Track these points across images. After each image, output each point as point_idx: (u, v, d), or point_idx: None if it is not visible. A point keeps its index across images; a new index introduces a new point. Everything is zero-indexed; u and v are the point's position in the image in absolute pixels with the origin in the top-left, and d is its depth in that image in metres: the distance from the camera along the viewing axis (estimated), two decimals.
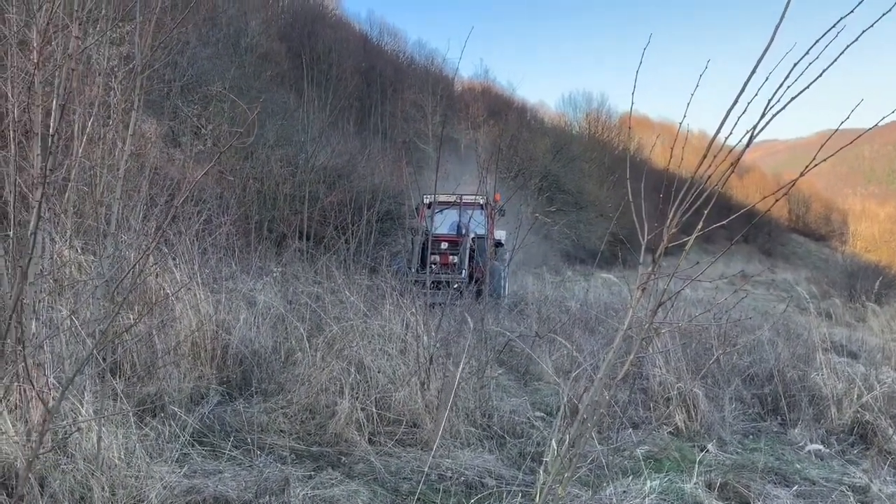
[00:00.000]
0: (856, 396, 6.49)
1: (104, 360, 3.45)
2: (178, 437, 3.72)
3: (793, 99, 2.46)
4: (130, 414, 3.51)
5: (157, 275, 4.89)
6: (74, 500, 2.95)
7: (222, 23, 22.49)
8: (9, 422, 3.06)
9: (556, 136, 44.26)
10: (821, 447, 5.40)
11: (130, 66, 5.48)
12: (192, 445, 3.85)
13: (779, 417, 6.33)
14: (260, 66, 23.87)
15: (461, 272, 11.79)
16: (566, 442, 2.54)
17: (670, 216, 2.49)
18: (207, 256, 5.90)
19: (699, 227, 2.46)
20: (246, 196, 11.84)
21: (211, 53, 19.09)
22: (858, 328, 18.91)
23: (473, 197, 11.94)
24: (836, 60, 2.45)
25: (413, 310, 5.39)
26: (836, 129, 2.59)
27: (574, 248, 29.86)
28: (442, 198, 12.38)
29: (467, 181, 14.41)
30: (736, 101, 2.50)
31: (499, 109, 43.63)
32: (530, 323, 8.47)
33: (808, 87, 2.48)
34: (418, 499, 3.74)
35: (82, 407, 3.32)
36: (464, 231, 12.79)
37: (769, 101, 2.40)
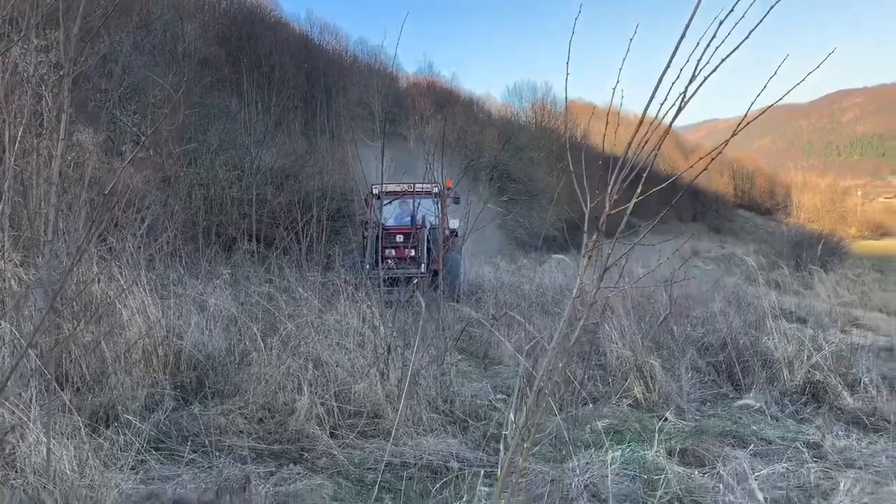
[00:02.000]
0: (806, 358, 6.66)
1: (49, 371, 3.33)
2: (133, 445, 3.63)
3: (723, 61, 2.49)
4: (81, 425, 3.41)
5: (99, 281, 4.76)
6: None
7: (157, 29, 22.01)
8: None
9: (504, 127, 44.53)
10: (751, 401, 5.52)
11: (60, 72, 5.33)
12: (149, 452, 3.76)
13: (734, 383, 6.47)
14: (199, 72, 23.43)
15: (420, 265, 11.42)
16: (524, 413, 2.55)
17: (610, 184, 2.51)
18: (154, 263, 5.77)
19: (637, 191, 2.48)
20: (192, 202, 11.62)
21: (147, 61, 18.67)
22: (806, 295, 19.46)
23: (426, 185, 11.39)
24: (762, 20, 2.49)
25: (368, 302, 5.36)
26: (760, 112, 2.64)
27: (528, 235, 30.07)
28: (391, 187, 12.03)
29: (418, 174, 14.03)
30: (667, 68, 2.53)
31: (445, 103, 43.65)
32: (487, 308, 8.51)
33: (736, 48, 2.51)
34: (383, 487, 3.72)
35: (30, 421, 3.22)
36: (419, 221, 12.26)
37: (697, 63, 2.43)
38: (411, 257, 11.71)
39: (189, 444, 3.93)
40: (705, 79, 2.53)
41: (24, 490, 2.87)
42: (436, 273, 10.94)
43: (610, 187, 2.56)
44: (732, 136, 2.46)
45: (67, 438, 3.26)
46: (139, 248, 5.48)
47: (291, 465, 3.76)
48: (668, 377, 6.02)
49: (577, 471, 3.75)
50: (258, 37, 30.43)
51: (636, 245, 2.65)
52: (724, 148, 2.48)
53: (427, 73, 48.68)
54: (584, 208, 2.55)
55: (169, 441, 4.05)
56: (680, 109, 2.49)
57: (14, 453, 2.99)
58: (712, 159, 2.40)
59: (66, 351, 4.09)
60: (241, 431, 4.23)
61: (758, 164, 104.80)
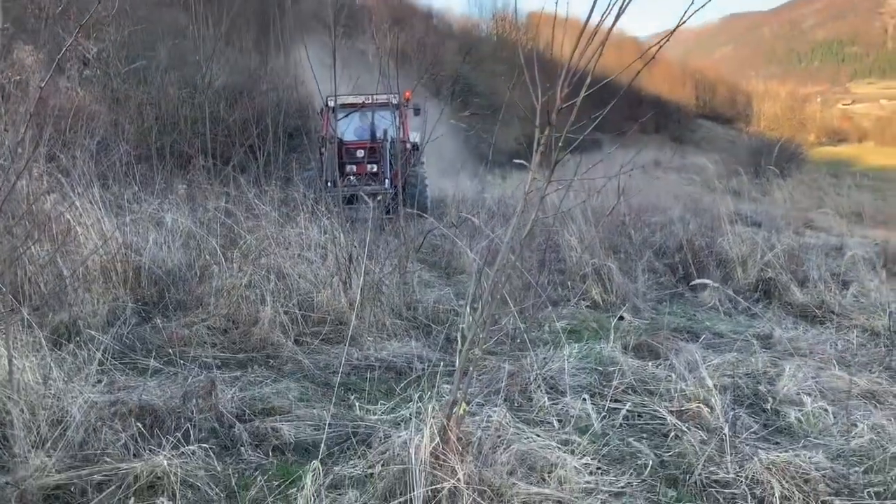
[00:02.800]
0: (759, 256, 6.88)
1: (4, 284, 3.31)
2: (97, 357, 3.64)
3: None
4: (43, 340, 3.41)
5: (51, 195, 4.67)
6: None
7: None
8: None
9: (464, 39, 43.63)
10: (707, 280, 5.69)
11: None
12: (113, 365, 3.79)
13: (689, 283, 6.66)
14: None
15: (384, 182, 10.93)
16: (480, 306, 2.61)
17: (560, 80, 2.50)
18: (107, 181, 5.66)
19: (586, 84, 2.49)
20: (143, 122, 11.30)
21: None
22: (764, 201, 19.86)
23: (384, 96, 10.51)
24: None
25: (329, 215, 5.36)
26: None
27: (493, 152, 29.92)
28: (348, 100, 11.29)
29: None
30: None
31: (403, 16, 42.44)
32: (449, 220, 8.56)
33: None
34: (349, 389, 3.82)
35: None
36: (381, 135, 11.59)
37: None
38: (373, 173, 11.31)
39: (153, 355, 3.96)
40: None
41: None
42: (401, 188, 10.69)
43: (561, 81, 2.56)
44: (662, 44, 2.46)
45: (30, 352, 3.27)
46: (90, 165, 5.36)
47: (257, 368, 3.84)
48: (626, 279, 6.18)
49: (535, 365, 3.88)
50: None
51: (586, 146, 2.66)
52: (656, 52, 2.49)
53: None
54: (536, 103, 2.55)
55: (133, 354, 4.08)
56: (620, 13, 2.48)
57: None
58: (644, 64, 2.43)
59: (20, 267, 4.04)
60: (205, 342, 4.28)
61: (719, 73, 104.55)
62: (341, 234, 4.95)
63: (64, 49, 5.52)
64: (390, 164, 11.27)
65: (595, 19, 2.65)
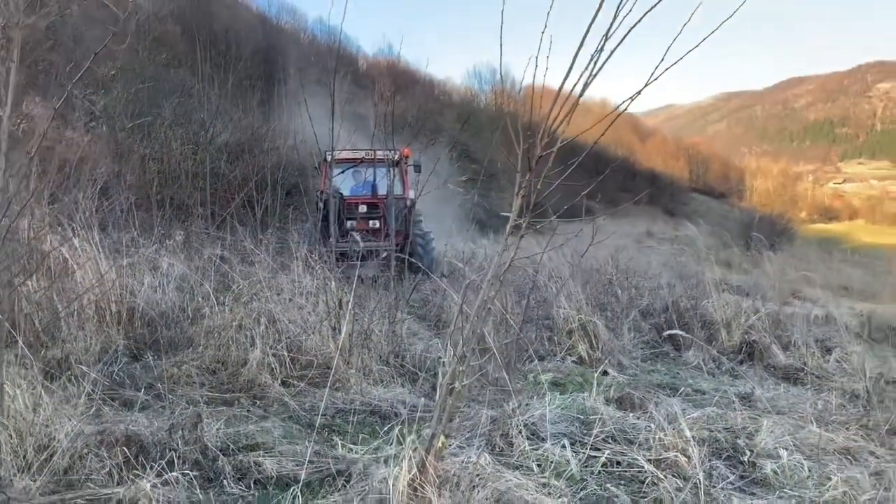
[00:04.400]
0: (743, 320, 6.99)
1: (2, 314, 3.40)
2: (86, 390, 3.71)
3: (620, 42, 2.66)
4: (36, 369, 3.49)
5: (50, 238, 4.80)
6: None
7: (111, 2, 21.58)
8: None
9: (463, 108, 44.61)
10: (678, 331, 5.77)
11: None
12: (104, 400, 3.85)
13: (674, 343, 6.75)
14: (154, 48, 23.09)
15: (388, 239, 10.24)
16: (460, 342, 2.72)
17: (540, 132, 2.67)
18: (107, 225, 5.81)
19: (558, 142, 2.65)
20: (145, 174, 11.54)
21: (99, 35, 18.33)
22: (753, 273, 20.10)
23: (384, 152, 10.60)
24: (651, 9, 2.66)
25: (321, 263, 5.49)
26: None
27: (487, 215, 30.30)
28: (347, 154, 11.20)
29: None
30: (580, 48, 2.69)
31: (406, 84, 43.46)
32: (440, 271, 8.69)
33: (631, 28, 2.67)
34: (333, 430, 3.88)
35: None
36: (385, 191, 11.16)
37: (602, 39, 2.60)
38: (375, 229, 11.10)
39: (142, 391, 4.02)
40: (610, 53, 2.70)
41: None
42: (402, 247, 10.51)
43: (540, 132, 2.73)
44: (633, 99, 2.63)
45: (22, 381, 3.34)
46: (91, 209, 5.51)
47: (244, 405, 3.90)
48: (612, 336, 6.28)
49: (517, 412, 3.95)
50: (214, 14, 30.00)
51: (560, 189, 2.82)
52: (626, 107, 2.67)
53: (387, 55, 48.34)
54: (517, 149, 2.72)
55: (123, 390, 4.14)
56: (586, 86, 2.67)
57: None
58: (611, 123, 2.60)
59: (17, 302, 4.13)
60: (194, 382, 4.34)
61: (712, 148, 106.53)
62: (332, 282, 5.06)
63: (62, 98, 5.72)
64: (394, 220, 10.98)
65: (571, 86, 2.83)
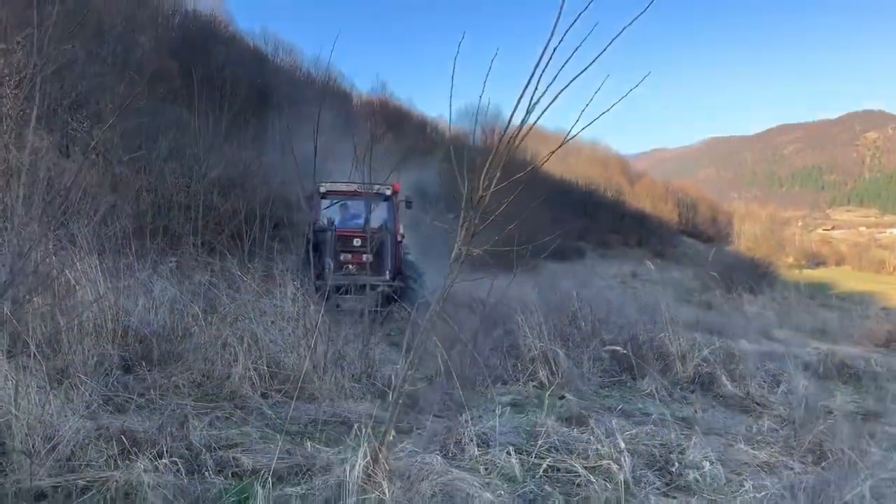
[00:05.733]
0: (696, 353, 7.49)
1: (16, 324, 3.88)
2: (85, 396, 4.17)
3: (562, 89, 3.22)
4: (45, 373, 3.96)
5: (52, 260, 5.27)
6: None
7: (111, 40, 22.31)
8: None
9: (454, 147, 45.40)
10: (616, 347, 6.24)
11: (24, 73, 5.84)
12: (100, 405, 4.30)
13: (631, 373, 7.23)
14: (151, 84, 23.73)
15: (385, 272, 10.87)
16: (412, 353, 3.22)
17: (484, 171, 3.20)
18: (105, 252, 6.29)
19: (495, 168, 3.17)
20: (139, 206, 12.04)
21: (99, 70, 18.99)
22: (733, 315, 20.68)
23: (376, 186, 10.45)
24: (600, 54, 3.23)
25: (301, 289, 5.98)
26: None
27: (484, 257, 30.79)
28: (339, 187, 11.32)
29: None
30: (526, 86, 3.25)
31: (398, 122, 44.29)
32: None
33: (582, 71, 3.24)
34: (304, 435, 4.34)
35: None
36: (379, 224, 11.49)
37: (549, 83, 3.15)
38: (370, 263, 11.12)
39: (135, 399, 4.49)
40: (557, 95, 3.25)
41: None
42: (397, 280, 10.55)
43: (483, 174, 3.27)
44: (560, 146, 3.17)
45: (32, 384, 3.81)
46: (93, 237, 6.00)
47: (226, 411, 4.36)
48: (571, 364, 6.76)
49: (470, 423, 4.42)
50: (211, 51, 30.78)
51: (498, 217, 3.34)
52: (555, 151, 3.18)
53: (381, 93, 49.34)
54: (462, 188, 3.24)
55: (117, 398, 4.59)
56: (520, 125, 3.20)
57: None
58: (545, 160, 3.10)
59: (26, 314, 4.60)
60: (182, 391, 4.80)
61: (700, 192, 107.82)
62: (311, 306, 5.56)
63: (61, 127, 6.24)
64: (378, 254, 11.20)
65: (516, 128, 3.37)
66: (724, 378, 7.08)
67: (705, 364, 7.41)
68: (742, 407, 6.51)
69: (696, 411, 5.87)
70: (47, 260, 5.23)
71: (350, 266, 10.93)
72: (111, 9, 25.08)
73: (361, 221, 12.01)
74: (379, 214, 12.16)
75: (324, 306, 5.79)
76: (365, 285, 9.26)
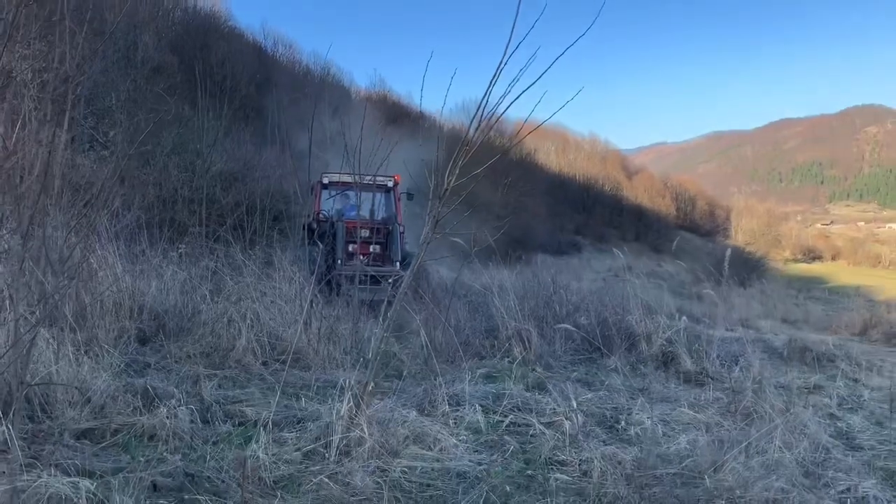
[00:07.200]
0: (661, 332, 8.18)
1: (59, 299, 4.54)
2: (110, 363, 4.85)
3: (520, 94, 3.88)
4: (80, 340, 4.63)
5: (82, 249, 5.94)
6: (41, 392, 4.07)
7: (116, 37, 22.92)
8: None
9: (452, 141, 46.06)
10: (566, 325, 6.90)
11: (53, 76, 6.50)
12: (122, 369, 4.98)
13: (600, 351, 7.91)
14: (152, 79, 24.34)
15: (395, 263, 10.94)
16: (388, 318, 3.89)
17: (449, 166, 3.86)
18: (120, 240, 6.96)
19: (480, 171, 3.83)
20: (145, 199, 12.67)
21: (104, 67, 19.60)
22: (721, 306, 21.36)
23: (381, 178, 10.75)
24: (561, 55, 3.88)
25: (298, 273, 6.66)
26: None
27: (468, 246, 31.45)
28: (343, 178, 11.32)
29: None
30: (493, 81, 3.90)
31: (397, 117, 44.84)
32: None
33: (544, 71, 3.89)
34: (298, 396, 5.02)
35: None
36: (380, 215, 11.75)
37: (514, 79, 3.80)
38: (377, 254, 11.26)
39: (152, 365, 5.17)
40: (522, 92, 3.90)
41: (40, 378, 4.09)
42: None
43: (448, 168, 3.92)
44: (517, 143, 3.83)
45: (69, 350, 4.48)
46: (110, 227, 6.67)
47: (231, 376, 5.04)
48: (543, 342, 7.45)
49: (443, 386, 5.09)
50: (211, 46, 31.37)
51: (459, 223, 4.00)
52: (513, 147, 3.83)
53: (380, 88, 49.89)
54: (429, 182, 3.90)
55: (136, 364, 5.27)
56: (482, 120, 3.85)
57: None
58: (498, 156, 3.75)
59: (64, 297, 5.27)
60: (193, 359, 5.48)
61: (699, 187, 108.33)
62: (307, 287, 6.23)
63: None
64: (384, 245, 11.41)
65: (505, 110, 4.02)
66: (684, 356, 7.75)
67: (668, 344, 8.09)
68: (697, 381, 7.18)
69: (650, 382, 6.53)
70: (78, 248, 5.89)
71: (360, 257, 10.87)
72: (114, 6, 25.73)
73: (364, 212, 11.99)
74: (381, 205, 12.50)
75: (333, 295, 6.43)
76: (373, 276, 9.20)
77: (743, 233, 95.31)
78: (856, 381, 8.13)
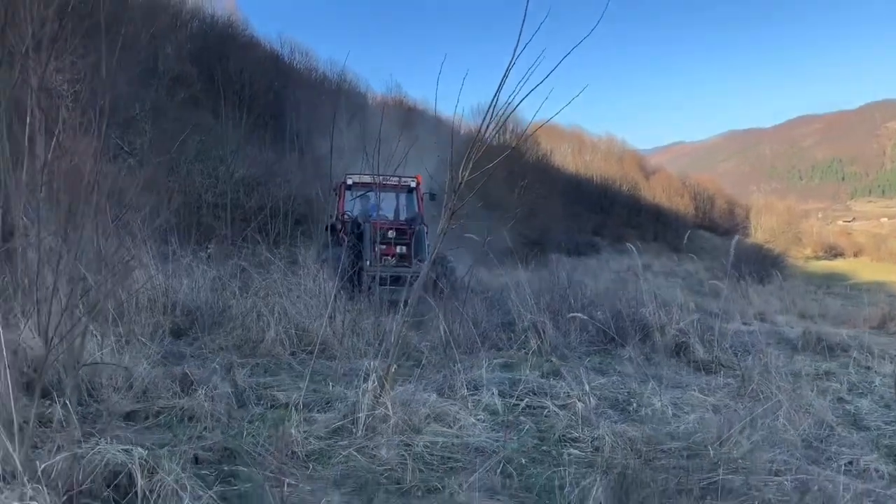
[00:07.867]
0: (674, 324, 8.39)
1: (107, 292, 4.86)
2: (149, 353, 5.17)
3: (525, 96, 4.14)
4: (121, 332, 4.96)
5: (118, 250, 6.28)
6: (87, 379, 4.39)
7: (139, 49, 23.48)
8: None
9: (468, 144, 46.33)
10: (578, 314, 7.12)
11: (86, 88, 6.86)
12: (159, 360, 5.30)
13: (615, 342, 8.13)
14: (173, 89, 24.89)
15: (421, 264, 10.28)
16: (408, 308, 4.17)
17: (463, 162, 4.13)
18: (152, 242, 7.31)
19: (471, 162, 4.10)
20: (170, 205, 13.07)
21: (128, 78, 20.12)
22: (739, 302, 21.44)
23: (404, 179, 11.20)
24: (565, 57, 4.14)
25: (322, 270, 6.97)
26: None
27: (485, 248, 31.65)
28: (366, 179, 11.21)
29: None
30: (498, 90, 4.17)
31: (413, 121, 45.11)
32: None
33: (550, 72, 4.15)
34: (326, 382, 5.31)
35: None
36: (404, 216, 11.87)
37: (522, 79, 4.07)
38: (403, 254, 11.24)
39: (187, 356, 5.49)
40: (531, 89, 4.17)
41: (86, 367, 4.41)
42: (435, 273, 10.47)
43: (463, 164, 4.20)
44: (530, 135, 4.09)
45: (112, 341, 4.81)
46: (143, 229, 7.02)
47: (261, 362, 5.35)
48: (559, 333, 7.69)
49: (461, 372, 5.36)
50: (230, 55, 31.88)
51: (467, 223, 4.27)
52: (525, 139, 4.10)
53: (395, 93, 50.25)
54: (448, 180, 4.17)
55: (172, 355, 5.60)
56: (500, 123, 4.12)
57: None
58: (510, 149, 4.01)
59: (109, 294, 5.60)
60: (226, 350, 5.80)
61: (717, 186, 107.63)
62: (331, 283, 6.55)
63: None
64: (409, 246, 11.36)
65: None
66: (697, 346, 7.96)
67: (682, 335, 8.30)
68: (709, 370, 7.39)
69: (662, 370, 6.76)
70: (118, 250, 6.23)
71: (387, 258, 10.79)
72: (135, 17, 26.31)
73: (387, 212, 12.31)
74: (403, 205, 12.75)
75: (356, 292, 6.70)
76: (400, 277, 9.16)
77: (763, 231, 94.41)
78: (868, 368, 8.26)
